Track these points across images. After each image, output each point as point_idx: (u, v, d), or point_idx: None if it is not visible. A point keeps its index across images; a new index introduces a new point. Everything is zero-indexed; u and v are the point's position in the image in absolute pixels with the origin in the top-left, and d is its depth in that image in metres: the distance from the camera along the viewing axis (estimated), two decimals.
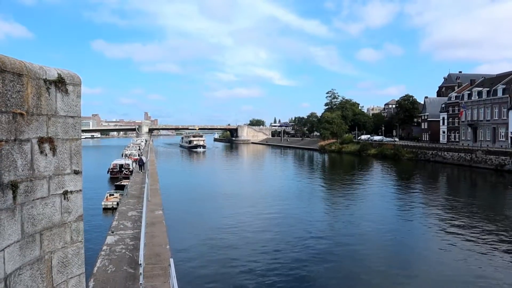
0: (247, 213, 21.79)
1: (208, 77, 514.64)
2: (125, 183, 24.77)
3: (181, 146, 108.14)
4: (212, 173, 45.61)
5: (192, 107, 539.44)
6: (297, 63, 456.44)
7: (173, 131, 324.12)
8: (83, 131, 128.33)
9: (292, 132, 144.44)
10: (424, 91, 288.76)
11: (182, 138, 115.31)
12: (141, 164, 31.34)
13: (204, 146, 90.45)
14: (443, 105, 68.75)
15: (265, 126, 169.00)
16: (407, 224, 19.81)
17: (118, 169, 36.04)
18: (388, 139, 73.58)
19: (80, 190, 4.12)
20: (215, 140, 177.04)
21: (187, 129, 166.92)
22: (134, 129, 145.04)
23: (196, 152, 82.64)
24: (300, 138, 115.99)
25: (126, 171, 35.54)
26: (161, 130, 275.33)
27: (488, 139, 54.90)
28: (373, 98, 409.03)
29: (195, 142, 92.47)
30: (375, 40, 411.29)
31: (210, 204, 24.67)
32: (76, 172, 4.05)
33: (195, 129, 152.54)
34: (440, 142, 65.83)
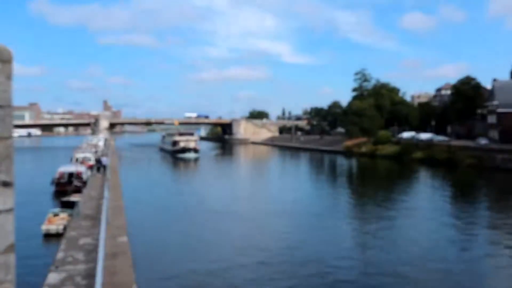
0: (249, 244, 21.71)
1: (193, 52, 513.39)
2: (75, 199, 24.72)
3: (161, 149, 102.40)
4: (197, 184, 45.73)
5: (169, 94, 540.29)
6: (316, 33, 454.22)
7: (143, 126, 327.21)
8: (16, 126, 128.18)
9: (308, 128, 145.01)
10: (493, 72, 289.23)
11: (164, 137, 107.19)
12: (99, 165, 32.36)
13: (196, 150, 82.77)
14: None
15: (269, 120, 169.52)
16: (469, 258, 19.76)
17: (66, 180, 35.92)
18: (440, 137, 73.57)
19: (11, 209, 4.09)
20: (201, 139, 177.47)
21: (162, 123, 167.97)
22: (88, 124, 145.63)
23: (184, 159, 76.53)
24: (319, 137, 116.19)
25: (78, 182, 35.47)
26: (126, 125, 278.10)
27: None
28: (420, 82, 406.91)
29: (182, 144, 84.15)
30: (425, 1, 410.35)
31: (195, 228, 24.68)
32: (5, 184, 4.03)
33: (173, 124, 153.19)
34: None
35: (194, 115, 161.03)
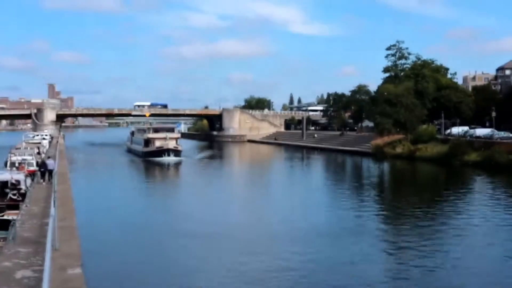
0: (241, 278, 21.62)
1: (170, 20, 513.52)
2: (10, 217, 24.65)
3: (129, 150, 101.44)
4: (178, 199, 45.77)
5: (139, 76, 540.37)
6: None
7: (103, 119, 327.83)
8: None
9: (324, 121, 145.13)
10: None
11: (132, 133, 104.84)
12: (43, 170, 32.88)
13: (177, 152, 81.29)
14: None
15: (273, 110, 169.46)
16: None
17: None
18: (503, 133, 73.53)
19: None
20: (182, 135, 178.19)
21: (129, 115, 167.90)
22: (29, 116, 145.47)
23: (161, 164, 75.70)
24: (339, 133, 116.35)
25: (15, 194, 35.38)
26: (79, 118, 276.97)
27: None
28: (477, 59, 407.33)
29: (158, 143, 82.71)
30: None
31: (172, 259, 24.68)
32: None
33: (144, 115, 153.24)
34: None
35: (147, 104, 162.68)
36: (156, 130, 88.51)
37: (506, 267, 22.99)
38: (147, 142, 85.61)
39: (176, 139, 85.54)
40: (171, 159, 78.31)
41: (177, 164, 75.13)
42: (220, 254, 24.97)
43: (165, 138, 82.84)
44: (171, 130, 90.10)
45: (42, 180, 33.93)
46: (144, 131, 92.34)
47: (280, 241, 27.68)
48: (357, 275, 21.62)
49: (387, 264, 23.97)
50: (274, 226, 31.83)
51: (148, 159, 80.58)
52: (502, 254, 24.99)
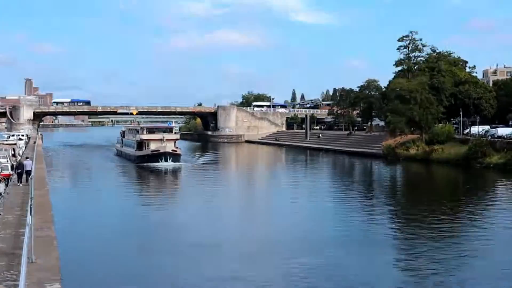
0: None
1: (162, 9, 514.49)
2: None
3: (119, 153, 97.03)
4: (177, 207, 45.55)
5: (126, 69, 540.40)
6: None
7: (85, 118, 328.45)
8: None
9: (329, 120, 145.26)
10: None
11: (123, 134, 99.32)
12: (20, 171, 34.42)
13: (176, 156, 75.90)
14: None
15: (273, 108, 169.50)
16: None
17: None
18: None
19: None
20: None
21: (115, 113, 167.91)
22: (4, 114, 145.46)
23: (158, 170, 70.67)
24: (346, 133, 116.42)
25: None
26: (59, 117, 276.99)
27: None
28: (497, 52, 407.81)
29: (153, 146, 78.10)
30: None
31: (164, 271, 24.62)
32: None
33: (131, 113, 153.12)
34: None
35: (67, 100, 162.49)
36: (151, 131, 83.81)
37: None
38: (141, 144, 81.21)
39: (175, 140, 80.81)
40: (168, 164, 73.13)
41: (176, 171, 70.58)
42: (213, 264, 24.98)
43: (161, 140, 77.37)
44: (169, 130, 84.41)
45: (19, 183, 34.21)
46: (136, 131, 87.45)
47: (288, 251, 27.65)
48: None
49: (400, 275, 24.02)
50: (280, 236, 31.94)
51: (142, 164, 76.19)
52: None
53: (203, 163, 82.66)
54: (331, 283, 22.53)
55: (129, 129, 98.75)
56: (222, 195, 52.04)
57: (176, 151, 76.27)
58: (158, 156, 74.34)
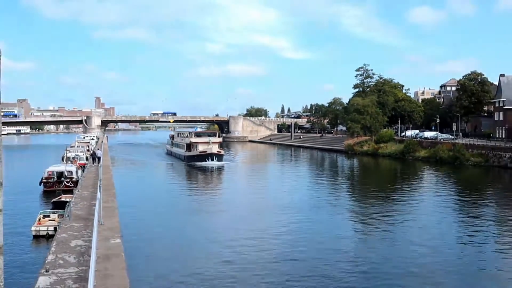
0: (250, 242, 21.74)
1: (191, 47, 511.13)
2: (67, 199, 24.67)
3: (169, 153, 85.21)
4: (190, 181, 45.08)
5: (165, 90, 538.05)
6: (318, 28, 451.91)
7: (137, 124, 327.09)
8: (4, 124, 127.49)
9: (308, 126, 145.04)
10: (503, 68, 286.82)
11: (172, 137, 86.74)
12: (94, 157, 37.08)
13: (220, 157, 66.22)
14: None
15: (268, 117, 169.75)
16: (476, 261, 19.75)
17: (55, 179, 35.81)
18: (444, 135, 73.73)
19: (0, 211, 4.07)
20: None
21: (158, 121, 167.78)
22: (80, 121, 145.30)
23: (205, 168, 60.42)
24: (319, 135, 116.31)
25: (68, 182, 35.35)
26: (119, 123, 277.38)
27: None
28: (425, 78, 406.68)
29: (201, 148, 68.07)
30: None
31: (194, 229, 24.68)
32: None
33: (169, 121, 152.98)
34: None
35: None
36: (198, 135, 73.14)
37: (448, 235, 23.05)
38: (189, 146, 70.78)
39: (219, 143, 71.43)
40: (214, 163, 63.78)
41: (221, 168, 61.09)
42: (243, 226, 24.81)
43: (208, 143, 68.23)
44: (214, 134, 74.44)
45: (93, 163, 35.52)
46: (185, 135, 77.37)
47: (270, 212, 27.62)
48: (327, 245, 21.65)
49: (354, 233, 24.08)
50: (266, 204, 31.54)
51: (191, 163, 66.19)
52: (440, 220, 25.21)
53: (241, 162, 74.93)
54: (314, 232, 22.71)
55: (178, 133, 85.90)
56: (261, 186, 44.00)
57: (220, 152, 67.82)
58: (205, 156, 65.52)
